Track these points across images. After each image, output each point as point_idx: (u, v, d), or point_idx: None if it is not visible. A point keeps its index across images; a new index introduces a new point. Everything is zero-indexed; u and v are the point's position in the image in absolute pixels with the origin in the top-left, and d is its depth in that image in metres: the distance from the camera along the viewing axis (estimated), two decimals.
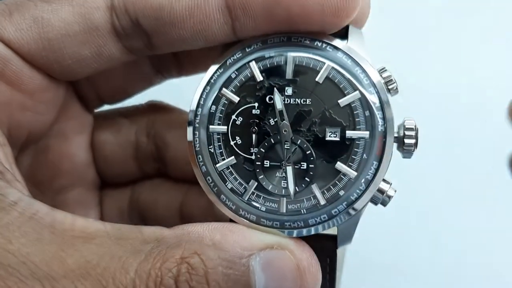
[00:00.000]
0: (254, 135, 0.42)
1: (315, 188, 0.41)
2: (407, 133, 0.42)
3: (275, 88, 0.42)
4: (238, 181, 0.42)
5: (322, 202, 0.41)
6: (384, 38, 0.82)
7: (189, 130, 0.44)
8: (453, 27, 0.90)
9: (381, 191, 0.41)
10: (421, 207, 0.87)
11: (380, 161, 0.40)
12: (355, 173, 0.40)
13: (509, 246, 0.84)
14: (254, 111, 0.42)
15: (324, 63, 0.41)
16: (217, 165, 0.42)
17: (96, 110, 0.58)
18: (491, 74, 0.88)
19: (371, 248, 0.81)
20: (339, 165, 0.41)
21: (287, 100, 0.42)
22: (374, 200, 0.41)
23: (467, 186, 0.85)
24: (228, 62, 0.43)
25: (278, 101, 0.42)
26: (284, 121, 0.41)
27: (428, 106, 0.86)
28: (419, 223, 0.87)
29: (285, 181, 0.42)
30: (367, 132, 0.40)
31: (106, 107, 0.58)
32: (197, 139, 0.43)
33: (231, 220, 0.42)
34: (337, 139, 0.41)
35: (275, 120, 0.42)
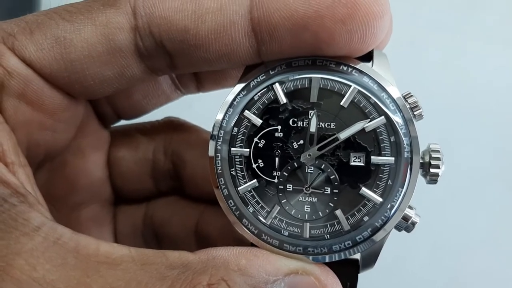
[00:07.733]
0: (277, 158, 0.42)
1: (339, 214, 0.41)
2: (433, 161, 0.41)
3: (312, 111, 0.41)
4: (260, 204, 0.42)
5: (346, 228, 0.40)
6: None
7: (211, 144, 0.43)
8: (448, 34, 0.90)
9: (406, 218, 0.40)
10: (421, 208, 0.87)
11: (405, 188, 0.40)
12: (380, 199, 0.40)
13: (508, 247, 0.84)
14: (277, 134, 0.42)
15: (350, 86, 0.41)
16: (239, 188, 0.42)
17: (112, 126, 0.57)
18: (492, 80, 0.88)
19: None
20: (364, 190, 0.40)
21: None
22: (398, 227, 0.41)
23: (466, 188, 0.85)
24: (251, 84, 0.43)
25: (313, 124, 0.41)
26: (312, 146, 0.41)
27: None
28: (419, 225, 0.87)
29: (308, 206, 0.41)
30: (393, 158, 0.40)
31: (121, 122, 0.58)
32: (219, 161, 0.43)
33: (252, 244, 0.42)
34: (362, 164, 0.41)
35: (298, 143, 0.42)
